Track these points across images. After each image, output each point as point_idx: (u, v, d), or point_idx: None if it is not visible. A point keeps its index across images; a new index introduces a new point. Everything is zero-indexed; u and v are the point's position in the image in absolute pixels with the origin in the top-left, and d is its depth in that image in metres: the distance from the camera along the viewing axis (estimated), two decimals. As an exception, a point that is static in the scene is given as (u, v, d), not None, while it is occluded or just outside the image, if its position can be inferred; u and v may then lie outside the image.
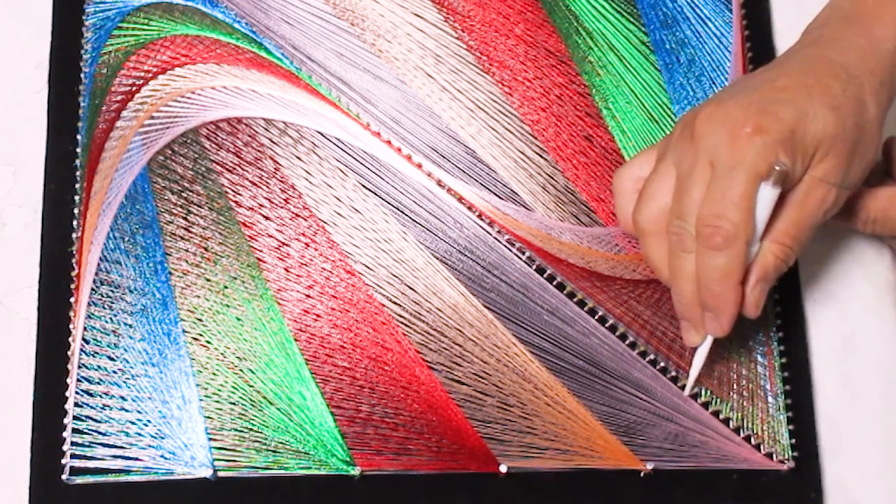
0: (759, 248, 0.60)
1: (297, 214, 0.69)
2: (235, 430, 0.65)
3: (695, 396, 0.66)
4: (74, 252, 0.68)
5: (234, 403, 0.65)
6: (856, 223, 0.65)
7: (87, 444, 0.64)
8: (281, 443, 0.65)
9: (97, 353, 0.66)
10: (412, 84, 0.72)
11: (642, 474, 0.65)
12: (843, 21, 0.63)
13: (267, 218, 0.69)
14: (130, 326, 0.67)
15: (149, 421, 0.65)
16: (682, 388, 0.66)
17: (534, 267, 0.68)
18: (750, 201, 0.58)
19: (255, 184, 0.70)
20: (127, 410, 0.65)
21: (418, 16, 0.74)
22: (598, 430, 0.65)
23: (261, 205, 0.69)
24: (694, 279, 0.61)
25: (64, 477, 0.64)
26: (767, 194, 0.58)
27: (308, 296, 0.68)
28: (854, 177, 0.61)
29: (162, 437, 0.65)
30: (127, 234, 0.68)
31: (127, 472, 0.64)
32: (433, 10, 0.74)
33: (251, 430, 0.65)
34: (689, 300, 0.62)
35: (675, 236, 0.61)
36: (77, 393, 0.65)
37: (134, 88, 0.71)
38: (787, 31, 0.74)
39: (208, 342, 0.66)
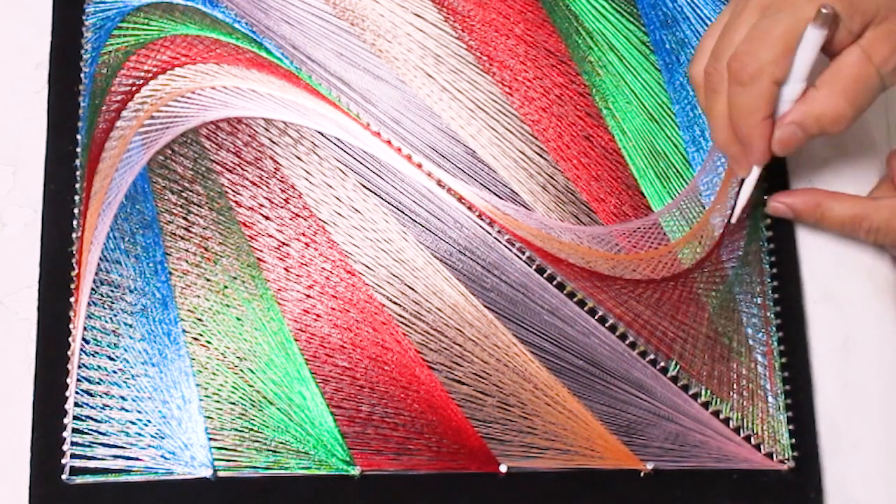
0: (803, 89, 0.61)
1: (297, 214, 0.69)
2: (235, 430, 0.65)
3: (695, 396, 0.66)
4: (74, 252, 0.68)
5: (234, 403, 0.65)
6: (859, 234, 0.66)
7: (87, 444, 0.64)
8: (281, 443, 0.65)
9: (97, 353, 0.66)
10: (412, 84, 0.72)
11: (642, 474, 0.65)
12: None
13: (267, 218, 0.69)
14: (130, 326, 0.67)
15: (149, 421, 0.65)
16: (684, 388, 0.66)
17: (534, 267, 0.68)
18: (786, 42, 0.59)
19: (255, 184, 0.70)
20: (127, 410, 0.65)
21: (418, 16, 0.74)
22: (598, 430, 0.65)
23: (261, 205, 0.69)
24: (726, 118, 0.62)
25: (64, 477, 0.64)
26: (812, 37, 0.59)
27: (308, 296, 0.68)
28: None
29: (162, 437, 0.65)
30: (127, 234, 0.68)
31: (127, 472, 0.64)
32: (433, 10, 0.74)
33: (251, 430, 0.65)
34: (724, 138, 0.64)
35: (709, 77, 0.63)
36: (77, 393, 0.65)
37: (134, 88, 0.71)
38: (787, 31, 0.74)
39: (208, 342, 0.66)
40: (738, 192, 0.67)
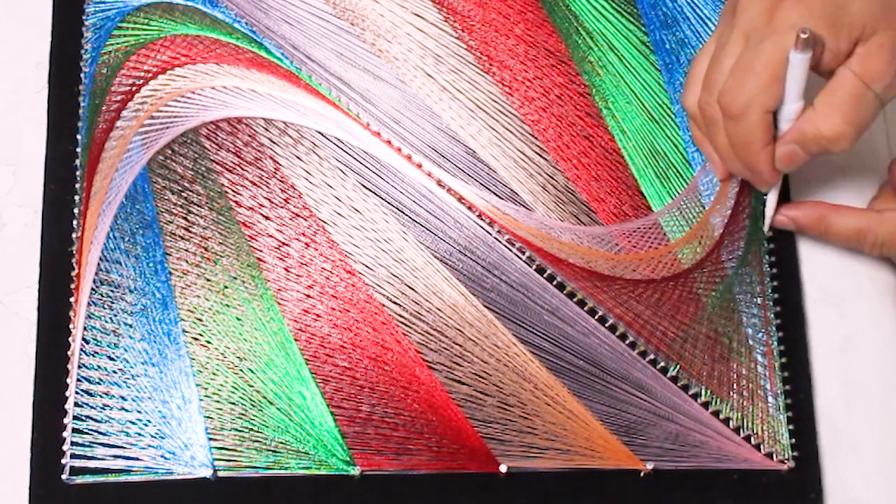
0: (801, 109, 0.61)
1: (297, 214, 0.69)
2: (235, 430, 0.65)
3: (695, 396, 0.66)
4: (74, 252, 0.68)
5: (234, 403, 0.65)
6: (864, 247, 0.66)
7: (87, 444, 0.64)
8: (281, 443, 0.65)
9: (97, 353, 0.66)
10: (412, 84, 0.72)
11: (642, 474, 0.65)
12: None
13: (267, 218, 0.69)
14: (130, 326, 0.67)
15: (149, 421, 0.65)
16: (684, 388, 0.66)
17: (534, 267, 0.68)
18: (772, 70, 0.59)
19: (255, 184, 0.70)
20: (127, 410, 0.65)
21: (418, 16, 0.74)
22: (598, 430, 0.65)
23: (261, 205, 0.69)
24: (730, 148, 0.63)
25: (64, 477, 0.64)
26: (797, 61, 0.59)
27: (308, 296, 0.68)
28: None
29: (162, 437, 0.65)
30: (127, 234, 0.68)
31: (127, 472, 0.64)
32: (433, 10, 0.74)
33: (251, 430, 0.65)
34: (735, 168, 0.65)
35: (704, 111, 0.63)
36: (77, 393, 0.65)
37: (134, 88, 0.71)
38: (787, 31, 0.74)
39: (208, 342, 0.66)
40: (737, 193, 0.68)
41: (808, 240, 0.69)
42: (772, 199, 0.67)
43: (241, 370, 0.66)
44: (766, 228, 0.68)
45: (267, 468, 0.64)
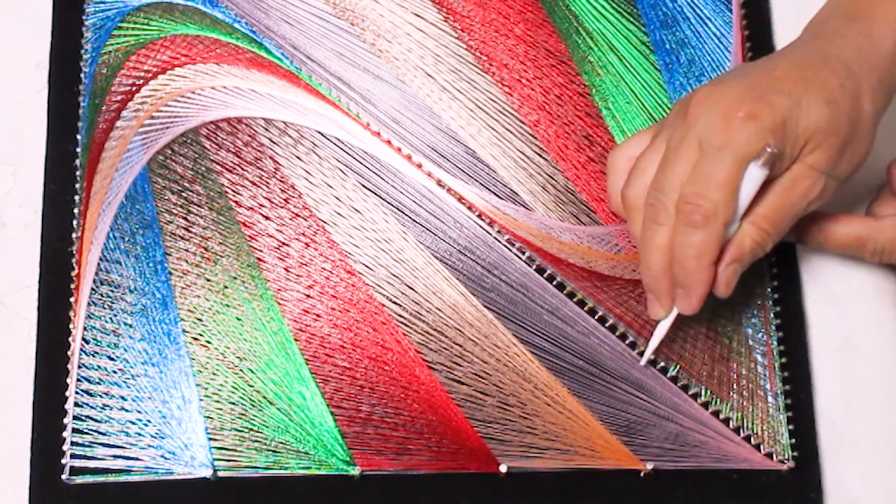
0: (737, 228, 0.61)
1: (297, 214, 0.69)
2: (235, 430, 0.65)
3: (695, 396, 0.66)
4: (74, 252, 0.68)
5: (234, 403, 0.65)
6: (864, 255, 0.66)
7: (87, 444, 0.64)
8: (281, 443, 0.65)
9: (97, 353, 0.66)
10: (412, 84, 0.72)
11: (642, 474, 0.65)
12: (844, 18, 0.63)
13: (267, 218, 0.69)
14: (130, 326, 0.67)
15: (149, 421, 0.65)
16: (684, 388, 0.66)
17: (534, 267, 0.68)
18: (734, 183, 0.59)
19: (255, 184, 0.70)
20: (127, 410, 0.65)
21: (418, 16, 0.74)
22: (598, 430, 0.65)
23: (261, 205, 0.69)
24: (663, 252, 0.61)
25: (64, 477, 0.64)
26: (755, 175, 0.59)
27: (308, 296, 0.68)
28: (843, 171, 0.61)
29: (162, 437, 0.65)
30: (127, 234, 0.68)
31: (127, 472, 0.64)
32: (433, 10, 0.74)
33: (251, 430, 0.65)
34: (657, 273, 0.62)
35: (651, 207, 0.61)
36: (77, 393, 0.65)
37: (134, 88, 0.71)
38: (786, 31, 0.74)
39: (208, 342, 0.66)
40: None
41: (808, 240, 0.69)
42: (664, 328, 0.65)
43: (241, 370, 0.66)
44: (643, 362, 0.66)
45: (267, 468, 0.64)
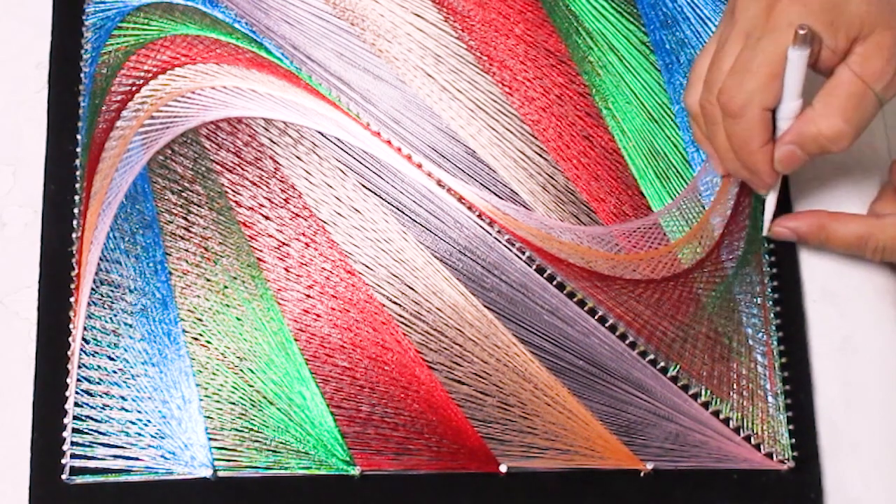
0: (799, 107, 0.61)
1: (297, 214, 0.69)
2: (235, 430, 0.65)
3: (695, 396, 0.66)
4: (74, 252, 0.68)
5: (234, 403, 0.65)
6: (865, 253, 0.66)
7: (87, 444, 0.64)
8: (281, 443, 0.65)
9: (97, 353, 0.66)
10: (412, 84, 0.72)
11: (642, 474, 0.65)
12: None
13: (267, 218, 0.69)
14: (130, 326, 0.67)
15: (149, 421, 0.65)
16: (684, 388, 0.66)
17: (534, 267, 0.68)
18: (770, 68, 0.59)
19: (255, 184, 0.70)
20: (127, 410, 0.65)
21: (418, 16, 0.74)
22: (598, 430, 0.65)
23: (261, 205, 0.69)
24: (728, 148, 0.63)
25: (64, 477, 0.64)
26: (796, 58, 0.59)
27: (308, 296, 0.68)
28: None
29: (162, 437, 0.65)
30: (127, 234, 0.68)
31: (127, 472, 0.64)
32: (433, 10, 0.74)
33: (251, 430, 0.65)
34: (732, 168, 0.64)
35: (704, 109, 0.63)
36: (77, 393, 0.65)
37: (134, 88, 0.71)
38: (787, 31, 0.74)
39: (208, 342, 0.66)
40: (737, 193, 0.68)
41: (808, 240, 0.69)
42: (770, 202, 0.67)
43: (241, 370, 0.66)
44: (765, 232, 0.68)
45: (267, 468, 0.64)
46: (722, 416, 0.66)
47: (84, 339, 0.66)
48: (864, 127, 0.61)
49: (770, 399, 0.66)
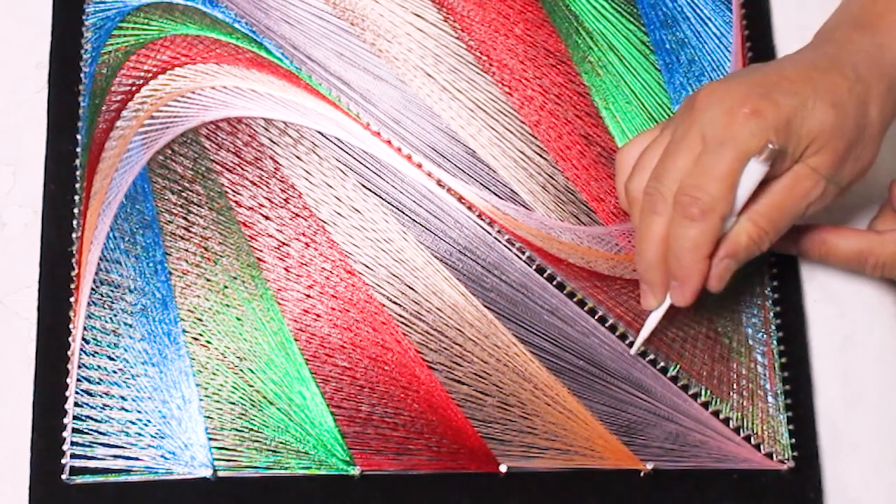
0: (734, 223, 0.61)
1: (297, 214, 0.69)
2: (235, 430, 0.65)
3: (695, 396, 0.66)
4: (74, 252, 0.68)
5: (234, 403, 0.65)
6: (865, 269, 0.65)
7: (87, 444, 0.64)
8: (281, 443, 0.65)
9: (97, 353, 0.66)
10: (412, 84, 0.72)
11: (642, 474, 0.65)
12: (852, 27, 0.63)
13: (267, 218, 0.69)
14: (130, 326, 0.67)
15: (149, 421, 0.65)
16: (684, 388, 0.66)
17: (534, 267, 0.68)
18: (733, 178, 0.59)
19: (255, 184, 0.70)
20: (127, 410, 0.65)
21: (418, 16, 0.74)
22: (598, 430, 0.65)
23: (261, 205, 0.69)
24: (659, 242, 0.61)
25: (64, 477, 0.64)
26: (755, 171, 0.59)
27: (308, 296, 0.68)
28: (846, 177, 0.61)
29: (162, 437, 0.65)
30: (127, 234, 0.68)
31: (127, 472, 0.64)
32: (433, 10, 0.74)
33: (251, 430, 0.65)
34: (651, 263, 0.62)
35: (649, 197, 0.61)
36: (77, 393, 0.65)
37: (134, 88, 0.71)
38: (787, 31, 0.74)
39: (208, 342, 0.66)
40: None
41: (808, 240, 0.69)
42: (654, 319, 0.65)
43: (241, 370, 0.66)
44: (633, 351, 0.66)
45: (267, 468, 0.64)
46: (722, 416, 0.66)
47: (84, 339, 0.66)
48: (784, 231, 0.62)
49: (770, 399, 0.66)
